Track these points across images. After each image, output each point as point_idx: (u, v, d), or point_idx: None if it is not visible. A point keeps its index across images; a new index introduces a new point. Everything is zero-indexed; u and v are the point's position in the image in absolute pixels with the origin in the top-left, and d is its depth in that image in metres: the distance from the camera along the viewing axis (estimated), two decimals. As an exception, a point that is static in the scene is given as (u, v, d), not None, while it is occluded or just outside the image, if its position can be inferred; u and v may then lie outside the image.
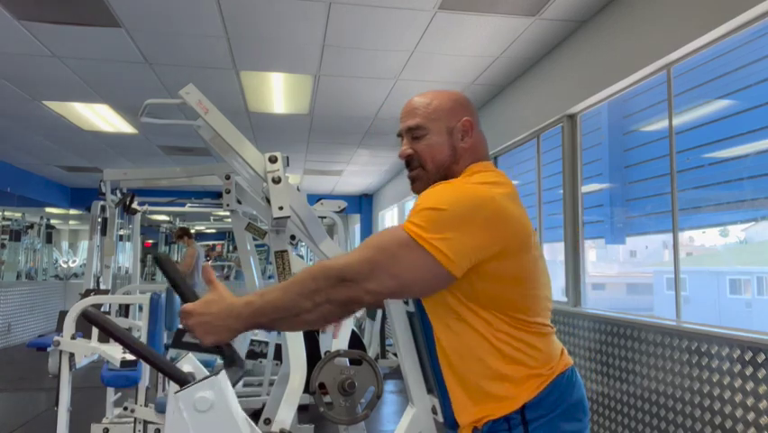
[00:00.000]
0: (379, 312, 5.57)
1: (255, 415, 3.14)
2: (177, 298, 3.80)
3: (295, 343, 2.29)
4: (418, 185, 1.29)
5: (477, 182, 1.17)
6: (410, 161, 1.30)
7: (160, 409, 3.11)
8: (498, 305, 1.12)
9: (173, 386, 1.04)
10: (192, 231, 8.37)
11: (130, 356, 2.65)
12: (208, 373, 1.06)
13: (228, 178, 3.27)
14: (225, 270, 12.55)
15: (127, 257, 9.03)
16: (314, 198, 4.85)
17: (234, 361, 1.06)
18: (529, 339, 1.14)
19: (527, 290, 1.14)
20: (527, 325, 1.13)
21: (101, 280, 4.19)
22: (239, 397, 1.05)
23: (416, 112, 1.27)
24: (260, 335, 4.25)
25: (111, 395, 3.64)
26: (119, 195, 4.16)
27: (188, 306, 1.05)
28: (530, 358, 1.13)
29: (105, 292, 3.92)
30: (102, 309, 3.67)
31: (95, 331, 2.89)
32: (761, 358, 2.23)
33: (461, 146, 1.26)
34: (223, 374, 1.02)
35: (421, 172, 1.28)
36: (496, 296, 1.12)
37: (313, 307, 1.01)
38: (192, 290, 1.09)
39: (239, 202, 3.33)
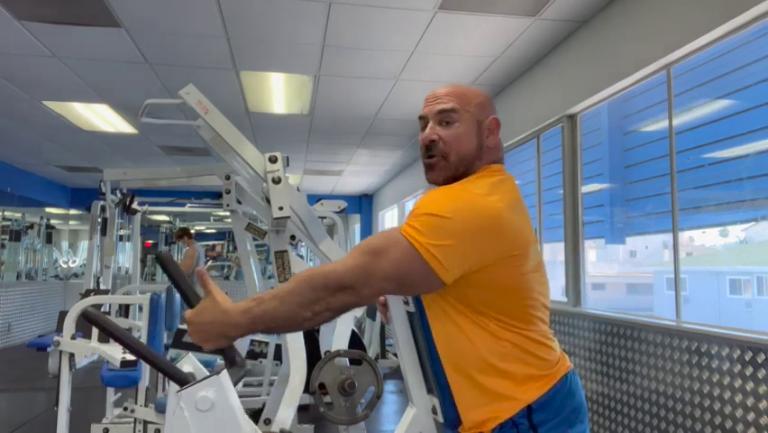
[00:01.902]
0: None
1: (255, 415, 3.15)
2: (177, 298, 3.81)
3: (295, 343, 2.29)
4: (435, 174, 1.23)
5: (481, 192, 1.12)
6: (432, 147, 1.22)
7: (160, 409, 3.11)
8: (491, 310, 1.12)
9: (173, 386, 1.04)
10: (192, 231, 8.37)
11: (130, 356, 2.65)
12: (208, 373, 1.06)
13: (228, 178, 3.27)
14: (225, 270, 12.54)
15: (127, 257, 9.03)
16: (314, 198, 4.86)
17: (235, 361, 1.07)
18: (524, 343, 1.14)
19: (519, 300, 1.13)
20: (521, 330, 1.14)
21: (101, 280, 4.19)
22: (239, 397, 1.05)
23: (449, 97, 1.22)
24: (260, 335, 4.25)
25: (111, 395, 3.64)
26: (119, 195, 4.16)
27: (187, 314, 1.05)
28: (528, 359, 1.14)
29: (105, 292, 3.92)
30: (102, 309, 3.67)
31: (95, 331, 2.89)
32: (761, 358, 2.23)
33: (486, 144, 1.23)
34: (224, 374, 1.03)
35: (441, 162, 1.21)
36: (487, 302, 1.12)
37: (312, 315, 1.02)
38: (193, 291, 1.08)
39: (239, 202, 3.33)
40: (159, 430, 3.27)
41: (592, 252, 4.20)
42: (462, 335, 1.14)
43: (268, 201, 1.99)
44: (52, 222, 11.69)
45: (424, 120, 1.25)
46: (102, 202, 4.18)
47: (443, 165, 1.21)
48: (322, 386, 1.83)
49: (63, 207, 10.90)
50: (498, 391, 1.12)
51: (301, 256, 9.46)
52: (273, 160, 1.98)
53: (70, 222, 12.61)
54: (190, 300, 1.07)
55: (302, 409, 3.54)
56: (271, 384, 3.47)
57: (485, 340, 1.13)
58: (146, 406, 3.21)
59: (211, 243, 14.27)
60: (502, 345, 1.12)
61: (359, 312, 2.25)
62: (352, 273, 1.03)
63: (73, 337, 2.80)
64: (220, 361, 4.37)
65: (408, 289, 1.13)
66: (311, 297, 1.01)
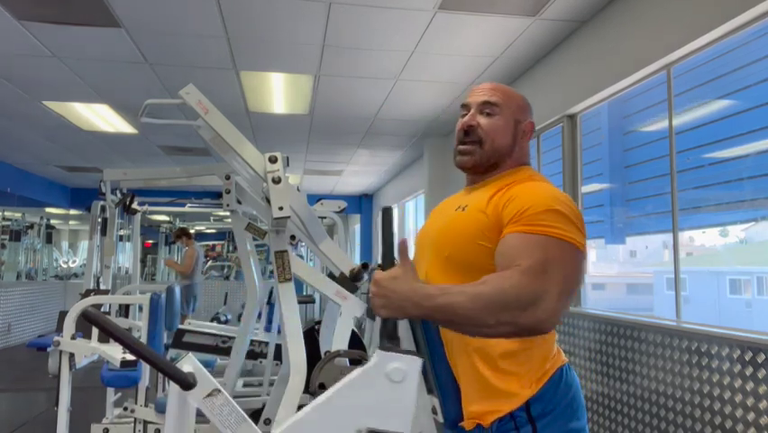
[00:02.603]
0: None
1: (255, 415, 3.14)
2: (177, 298, 3.80)
3: (295, 343, 2.29)
4: (467, 159, 1.29)
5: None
6: (470, 132, 1.28)
7: (160, 409, 3.11)
8: None
9: (173, 386, 1.04)
10: (192, 231, 8.36)
11: (130, 356, 2.65)
12: (208, 374, 1.06)
13: (228, 178, 3.27)
14: (225, 270, 12.54)
15: (127, 257, 9.03)
16: (314, 198, 4.85)
17: (393, 337, 1.03)
18: (540, 342, 1.17)
19: None
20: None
21: (101, 280, 4.19)
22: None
23: (495, 91, 1.30)
24: (260, 335, 4.24)
25: (111, 395, 3.64)
26: (119, 195, 4.16)
27: (378, 275, 1.03)
28: (534, 357, 1.17)
29: (105, 292, 3.91)
30: (102, 309, 3.67)
31: (95, 331, 2.89)
32: (761, 358, 2.23)
33: (519, 144, 1.30)
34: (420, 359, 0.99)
35: (477, 149, 1.28)
36: None
37: (495, 324, 0.97)
38: (393, 255, 1.05)
39: (239, 202, 3.33)
40: (159, 430, 3.27)
41: (592, 252, 4.21)
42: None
43: (268, 201, 1.99)
44: (52, 222, 11.70)
45: (466, 108, 1.32)
46: (102, 202, 4.17)
47: (476, 151, 1.28)
48: (322, 386, 1.82)
49: (63, 207, 10.90)
50: (504, 389, 1.15)
51: (301, 256, 9.46)
52: (273, 160, 1.98)
53: (70, 222, 12.62)
54: (386, 263, 1.05)
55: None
56: (271, 384, 3.47)
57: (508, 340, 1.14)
58: (146, 406, 3.21)
59: (211, 243, 14.28)
60: (513, 344, 1.15)
61: (359, 312, 2.25)
62: (537, 286, 0.99)
63: (73, 337, 2.80)
64: (220, 361, 4.36)
65: (576, 287, 1.09)
66: (500, 304, 0.97)
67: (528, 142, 1.34)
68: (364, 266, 2.32)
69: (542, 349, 1.18)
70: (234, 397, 1.36)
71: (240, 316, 4.72)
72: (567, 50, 3.89)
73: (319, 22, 3.61)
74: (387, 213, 1.08)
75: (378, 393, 0.95)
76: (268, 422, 2.51)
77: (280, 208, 1.93)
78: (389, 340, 1.01)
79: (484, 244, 1.15)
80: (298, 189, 2.25)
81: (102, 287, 4.14)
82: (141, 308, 3.62)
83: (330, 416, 0.96)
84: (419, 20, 3.59)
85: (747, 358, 2.29)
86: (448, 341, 1.23)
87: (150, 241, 12.58)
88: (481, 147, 1.27)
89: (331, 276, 2.32)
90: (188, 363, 1.06)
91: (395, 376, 0.94)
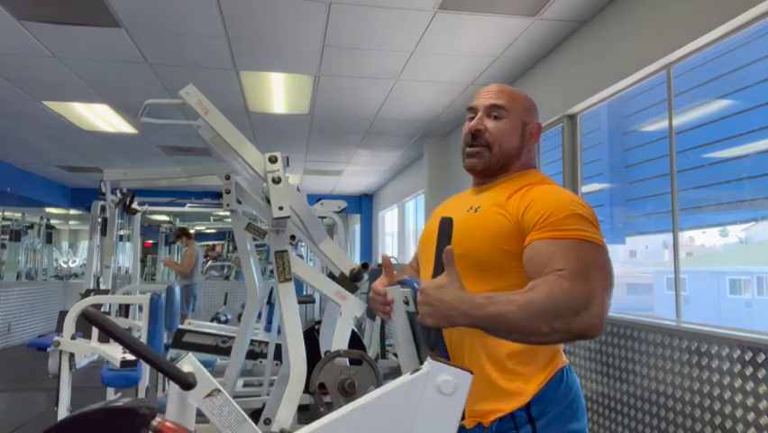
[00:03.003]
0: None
1: (255, 415, 3.14)
2: (177, 298, 3.80)
3: (295, 343, 2.29)
4: (476, 162, 1.29)
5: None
6: (477, 137, 1.29)
7: (161, 410, 3.11)
8: None
9: (173, 386, 1.04)
10: (192, 231, 8.35)
11: (130, 356, 2.65)
12: (208, 374, 1.05)
13: (228, 178, 3.27)
14: (225, 270, 12.54)
15: (127, 257, 9.03)
16: (314, 198, 4.85)
17: (435, 346, 1.02)
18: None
19: None
20: None
21: (101, 280, 4.19)
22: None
23: (502, 94, 1.30)
24: (260, 335, 4.24)
25: (111, 395, 3.64)
26: (119, 195, 4.16)
27: (425, 283, 1.03)
28: (538, 356, 1.17)
29: (105, 292, 3.91)
30: (102, 309, 3.67)
31: (95, 331, 2.89)
32: (761, 358, 2.23)
33: (526, 146, 1.31)
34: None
35: (485, 152, 1.28)
36: None
37: (549, 332, 0.97)
38: (442, 263, 1.04)
39: (239, 202, 3.33)
40: (159, 430, 3.27)
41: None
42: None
43: (268, 201, 1.99)
44: (52, 222, 11.69)
45: (473, 111, 1.32)
46: (102, 202, 4.17)
47: (485, 154, 1.28)
48: (322, 386, 1.83)
49: (63, 207, 10.89)
50: (508, 389, 1.16)
51: (301, 256, 9.44)
52: (273, 160, 1.98)
53: (70, 222, 12.61)
54: (436, 271, 1.04)
55: (302, 409, 3.54)
56: (271, 384, 3.47)
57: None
58: (146, 406, 3.20)
59: (211, 243, 14.27)
60: (519, 345, 1.14)
61: (359, 312, 2.25)
62: (586, 290, 0.99)
63: (73, 337, 2.80)
64: (220, 361, 4.34)
65: (614, 286, 1.10)
66: (552, 312, 0.97)
67: (535, 144, 1.34)
68: (364, 266, 2.32)
69: (546, 349, 1.18)
70: (234, 397, 1.36)
71: (240, 316, 4.72)
72: (567, 50, 3.89)
73: (319, 22, 3.61)
74: (447, 224, 1.07)
75: (425, 403, 0.94)
76: (268, 422, 2.51)
77: (280, 208, 1.93)
78: (431, 349, 1.01)
79: (503, 247, 1.16)
80: (298, 189, 2.25)
81: (102, 287, 4.15)
82: (141, 308, 3.63)
83: (374, 418, 0.96)
84: (419, 20, 3.59)
85: (747, 358, 2.29)
86: (455, 342, 1.24)
87: (150, 241, 12.58)
88: (490, 151, 1.27)
89: (331, 276, 2.32)
90: (188, 363, 1.06)
91: (445, 389, 0.94)
